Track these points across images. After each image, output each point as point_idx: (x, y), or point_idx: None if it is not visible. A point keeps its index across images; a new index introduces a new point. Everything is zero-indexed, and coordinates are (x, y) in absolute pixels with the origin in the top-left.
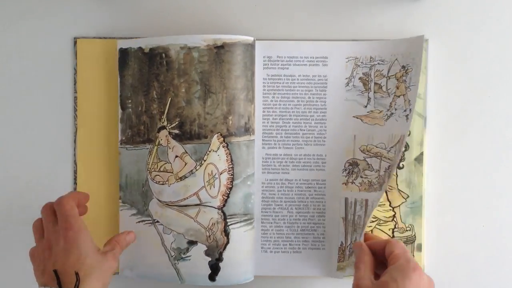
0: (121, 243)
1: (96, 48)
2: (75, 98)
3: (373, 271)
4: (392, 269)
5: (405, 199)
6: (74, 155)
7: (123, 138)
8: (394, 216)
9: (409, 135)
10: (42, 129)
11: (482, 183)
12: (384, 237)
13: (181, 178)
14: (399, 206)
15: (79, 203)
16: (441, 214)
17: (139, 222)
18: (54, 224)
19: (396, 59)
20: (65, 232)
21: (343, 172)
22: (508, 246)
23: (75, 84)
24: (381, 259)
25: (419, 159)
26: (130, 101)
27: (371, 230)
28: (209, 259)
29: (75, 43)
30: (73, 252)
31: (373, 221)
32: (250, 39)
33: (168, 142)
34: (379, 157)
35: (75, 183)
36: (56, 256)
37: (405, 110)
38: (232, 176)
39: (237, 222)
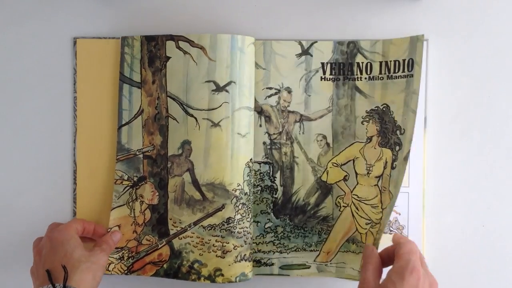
0: (107, 241)
1: (96, 48)
2: (75, 98)
3: (379, 274)
4: (391, 272)
5: (390, 199)
6: (74, 155)
7: None
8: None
9: (403, 133)
10: (42, 129)
11: (482, 183)
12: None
13: None
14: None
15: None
16: (441, 214)
17: None
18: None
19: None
20: (51, 234)
21: None
22: (508, 246)
23: (75, 84)
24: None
25: (406, 157)
26: None
27: (365, 233)
28: None
29: (75, 43)
30: (59, 249)
31: (367, 224)
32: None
33: None
34: None
35: (75, 183)
36: (46, 257)
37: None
38: None
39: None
